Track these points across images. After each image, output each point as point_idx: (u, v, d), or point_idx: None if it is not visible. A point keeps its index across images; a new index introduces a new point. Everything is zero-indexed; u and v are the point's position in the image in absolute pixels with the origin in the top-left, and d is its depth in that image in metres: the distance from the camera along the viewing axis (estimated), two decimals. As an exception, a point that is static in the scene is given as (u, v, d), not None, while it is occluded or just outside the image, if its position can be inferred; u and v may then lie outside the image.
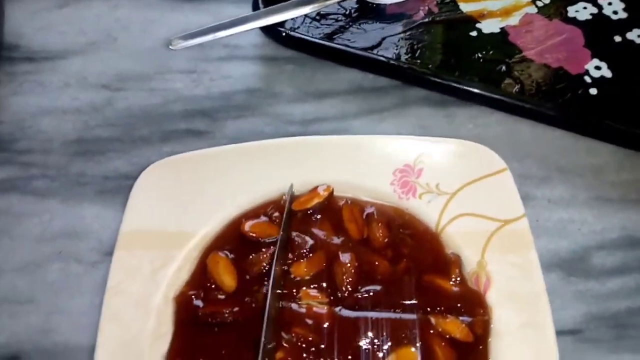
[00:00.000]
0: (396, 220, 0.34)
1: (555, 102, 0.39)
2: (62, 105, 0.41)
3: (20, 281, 0.35)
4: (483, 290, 0.32)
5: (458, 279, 0.32)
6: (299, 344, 0.30)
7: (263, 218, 0.34)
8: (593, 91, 0.40)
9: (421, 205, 0.35)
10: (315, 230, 0.34)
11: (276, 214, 0.34)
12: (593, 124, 0.39)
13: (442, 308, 0.31)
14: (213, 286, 0.32)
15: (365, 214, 0.34)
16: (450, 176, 0.35)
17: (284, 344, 0.30)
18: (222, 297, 0.32)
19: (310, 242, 0.33)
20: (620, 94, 0.40)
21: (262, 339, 0.29)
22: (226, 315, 0.31)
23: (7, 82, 0.41)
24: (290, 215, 0.34)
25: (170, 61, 0.42)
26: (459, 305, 0.32)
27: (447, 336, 0.31)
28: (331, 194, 0.35)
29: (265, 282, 0.32)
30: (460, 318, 0.31)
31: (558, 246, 0.36)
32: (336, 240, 0.34)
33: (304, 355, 0.30)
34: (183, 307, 0.32)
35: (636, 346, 0.33)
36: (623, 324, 0.34)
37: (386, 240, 0.33)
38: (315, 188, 0.35)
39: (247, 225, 0.34)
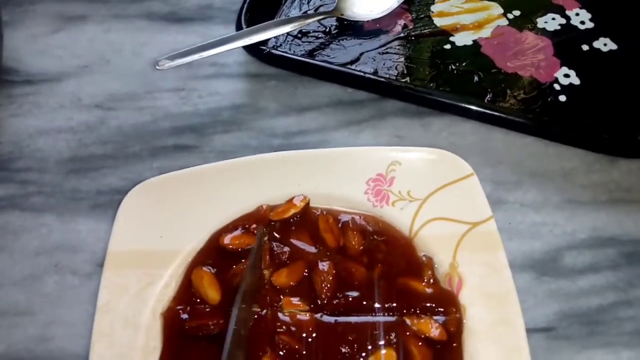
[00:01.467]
0: (371, 227, 0.36)
1: (526, 110, 0.41)
2: (57, 125, 0.43)
3: (18, 293, 0.36)
4: (456, 290, 0.34)
5: (431, 280, 0.34)
6: (284, 350, 0.32)
7: (240, 230, 0.35)
8: (562, 98, 0.41)
9: (394, 212, 0.36)
10: (294, 240, 0.35)
11: (253, 225, 0.36)
12: (563, 130, 0.40)
13: (417, 309, 0.33)
14: (198, 300, 0.34)
15: (340, 223, 0.36)
16: (421, 183, 0.36)
17: (270, 351, 0.32)
18: (208, 309, 0.33)
19: (289, 251, 0.35)
20: (589, 100, 0.41)
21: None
22: (212, 327, 0.33)
23: (7, 104, 0.44)
24: (269, 226, 0.36)
25: (160, 81, 0.44)
26: (432, 305, 0.33)
27: (423, 336, 0.32)
28: (307, 204, 0.36)
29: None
30: (434, 318, 0.33)
31: (531, 247, 0.37)
32: (314, 250, 0.35)
33: None
34: (170, 322, 0.33)
35: (607, 342, 0.34)
36: (594, 320, 0.35)
37: (361, 247, 0.35)
38: (292, 199, 0.36)
39: (226, 239, 0.35)
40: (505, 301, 0.33)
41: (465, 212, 0.35)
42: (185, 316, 0.33)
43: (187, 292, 0.34)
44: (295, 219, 0.36)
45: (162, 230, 0.36)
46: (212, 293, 0.34)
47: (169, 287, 0.34)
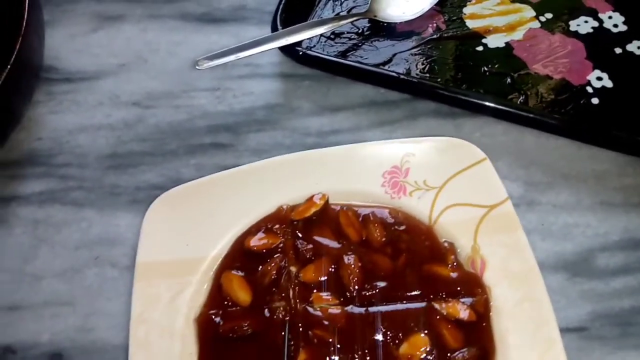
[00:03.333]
0: (391, 219, 0.36)
1: (558, 111, 0.41)
2: (96, 122, 0.44)
3: (60, 285, 0.38)
4: (479, 272, 0.34)
5: (455, 264, 0.35)
6: (319, 345, 0.32)
7: (264, 231, 0.36)
8: (595, 101, 0.42)
9: (412, 202, 0.37)
10: (317, 237, 0.36)
11: (276, 225, 0.36)
12: (595, 132, 0.40)
13: (444, 293, 0.34)
14: (230, 303, 0.34)
15: (361, 217, 0.37)
16: (436, 171, 0.37)
17: (305, 346, 0.32)
18: (240, 311, 0.34)
19: (313, 248, 0.35)
20: (621, 103, 0.42)
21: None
22: (245, 327, 0.33)
23: (47, 101, 0.45)
24: (291, 226, 0.36)
25: (196, 80, 0.45)
26: (458, 288, 0.34)
27: (452, 319, 0.33)
28: (327, 201, 0.37)
29: (277, 291, 0.34)
30: (462, 300, 0.33)
31: (563, 248, 0.38)
32: (337, 245, 0.36)
33: (325, 354, 0.32)
34: (205, 327, 0.34)
35: (640, 343, 0.35)
36: (627, 321, 0.35)
37: (384, 239, 0.36)
38: (311, 197, 0.37)
39: (251, 241, 0.36)
40: (528, 278, 0.33)
41: (481, 196, 0.36)
42: (218, 320, 0.34)
43: (218, 296, 0.35)
44: (316, 216, 0.36)
45: (187, 238, 0.36)
46: (242, 295, 0.34)
47: (200, 293, 0.35)
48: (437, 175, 0.37)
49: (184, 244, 0.36)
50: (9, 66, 0.38)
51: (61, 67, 0.46)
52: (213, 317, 0.34)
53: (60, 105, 0.45)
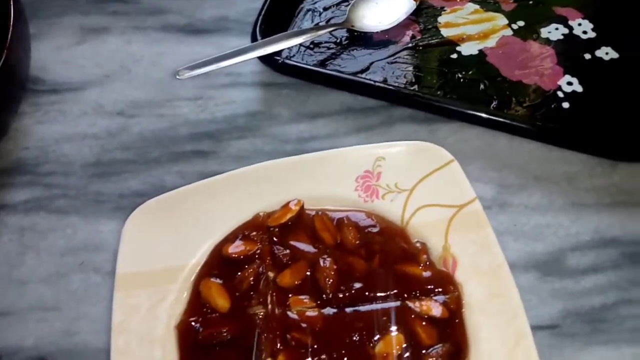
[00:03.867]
0: (364, 222, 0.38)
1: (530, 116, 0.43)
2: (81, 132, 0.45)
3: (45, 290, 0.38)
4: (451, 270, 0.35)
5: (427, 263, 0.36)
6: (297, 347, 0.33)
7: (241, 239, 0.37)
8: (565, 105, 0.43)
9: (385, 204, 0.38)
10: (293, 242, 0.37)
11: (253, 232, 0.37)
12: (566, 135, 0.42)
13: (417, 292, 0.35)
14: (209, 310, 0.35)
15: (335, 221, 0.38)
16: (407, 174, 0.38)
17: (284, 350, 0.33)
18: (219, 318, 0.35)
19: (290, 253, 0.36)
20: (591, 106, 0.43)
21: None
22: (224, 333, 0.34)
23: (33, 112, 0.46)
24: (267, 232, 0.37)
25: (178, 89, 0.46)
26: (431, 287, 0.35)
27: (426, 316, 0.34)
28: (302, 207, 0.38)
29: (255, 295, 0.35)
30: (435, 298, 0.34)
31: (534, 249, 0.39)
32: (313, 249, 0.37)
33: (303, 356, 0.33)
34: (185, 334, 0.34)
35: (610, 339, 0.36)
36: (598, 319, 0.36)
37: (358, 241, 0.37)
38: (287, 204, 0.38)
39: (229, 249, 0.37)
40: (498, 274, 0.35)
41: (450, 197, 0.37)
42: (198, 326, 0.35)
43: (197, 303, 0.35)
44: (292, 222, 0.37)
45: (166, 247, 0.37)
46: (221, 301, 0.35)
47: (179, 302, 0.36)
48: (407, 178, 0.38)
49: (163, 253, 0.37)
50: (-6, 78, 0.39)
51: (47, 78, 0.47)
52: (193, 324, 0.35)
53: (47, 115, 0.46)
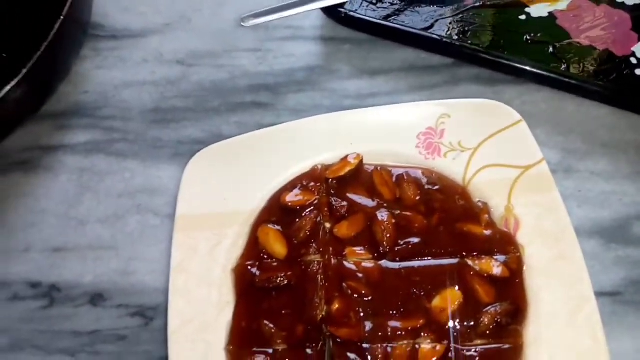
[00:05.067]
0: (425, 179, 0.37)
1: (601, 80, 0.41)
2: (141, 79, 0.45)
3: (103, 231, 0.39)
4: (513, 231, 0.35)
5: (488, 223, 0.35)
6: (353, 296, 0.33)
7: (299, 188, 0.37)
8: (639, 72, 0.41)
9: (446, 162, 0.37)
10: (351, 195, 0.37)
11: (311, 183, 0.37)
12: (637, 100, 0.40)
13: (477, 251, 0.34)
14: (266, 256, 0.35)
15: (395, 176, 0.37)
16: (471, 133, 0.37)
17: (339, 297, 0.33)
18: (275, 264, 0.35)
19: (347, 205, 0.36)
20: (666, 74, 0.41)
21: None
22: (281, 278, 0.34)
23: (93, 57, 0.46)
24: (326, 184, 0.37)
25: (238, 41, 0.46)
26: (491, 246, 0.34)
27: (485, 275, 0.33)
28: (361, 161, 0.37)
29: (312, 244, 0.35)
30: (495, 257, 0.34)
31: (599, 215, 0.38)
32: (372, 203, 0.36)
33: (358, 305, 0.33)
34: (241, 277, 0.35)
35: (674, 311, 0.35)
36: (661, 289, 0.35)
37: (417, 197, 0.36)
38: (346, 157, 0.38)
39: (287, 197, 0.37)
40: (562, 237, 0.34)
41: (516, 157, 0.36)
42: (255, 270, 0.35)
43: (254, 248, 0.36)
44: (350, 176, 0.37)
45: (225, 193, 0.37)
46: (278, 248, 0.35)
47: (236, 246, 0.36)
48: (472, 137, 0.37)
49: (222, 198, 0.37)
50: (61, 18, 0.39)
51: (108, 24, 0.48)
52: (250, 267, 0.35)
53: (106, 61, 0.46)
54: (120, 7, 0.48)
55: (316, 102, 0.43)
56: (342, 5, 0.44)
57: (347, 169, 0.37)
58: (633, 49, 0.42)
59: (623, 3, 0.44)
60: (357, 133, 0.38)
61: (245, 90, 0.44)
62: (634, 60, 0.42)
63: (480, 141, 0.37)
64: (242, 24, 0.41)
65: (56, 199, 0.40)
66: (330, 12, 0.44)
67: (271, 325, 0.33)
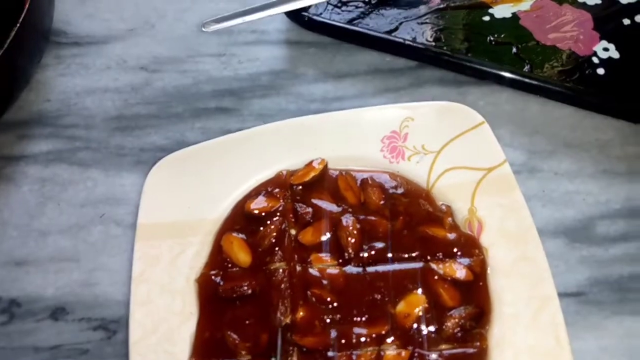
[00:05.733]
0: (389, 183, 0.37)
1: (564, 81, 0.41)
2: (104, 86, 0.44)
3: (65, 241, 0.38)
4: (477, 233, 0.35)
5: (451, 226, 0.35)
6: (318, 303, 0.33)
7: (263, 195, 0.37)
8: (601, 71, 0.42)
9: (410, 166, 0.37)
10: (315, 201, 0.36)
11: (276, 190, 0.37)
12: (600, 101, 0.40)
13: (441, 254, 0.34)
14: (230, 264, 0.35)
15: (359, 181, 0.37)
16: (434, 136, 0.37)
17: (303, 304, 0.33)
18: (239, 272, 0.35)
19: (312, 211, 0.36)
20: (627, 73, 0.41)
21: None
22: (245, 287, 0.34)
23: (56, 64, 0.45)
24: (290, 190, 0.37)
25: (202, 46, 0.46)
26: (455, 249, 0.34)
27: (449, 278, 0.33)
28: (325, 166, 0.37)
29: (277, 252, 0.35)
30: (459, 260, 0.34)
31: (563, 215, 0.38)
32: (336, 208, 0.36)
33: (323, 312, 0.33)
34: (205, 287, 0.34)
35: (637, 309, 0.35)
36: (625, 287, 0.35)
37: (382, 202, 0.36)
38: (310, 162, 0.37)
39: (252, 205, 0.36)
40: (525, 238, 0.34)
41: (479, 159, 0.36)
42: (218, 280, 0.34)
43: (218, 257, 0.35)
44: (314, 181, 0.37)
45: (188, 200, 0.37)
46: (242, 256, 0.35)
47: (200, 255, 0.35)
48: (435, 140, 0.37)
49: (185, 206, 0.37)
50: (17, 26, 0.38)
51: (70, 31, 0.47)
52: (213, 277, 0.35)
53: (69, 68, 0.45)
54: (84, 14, 0.48)
55: (282, 106, 0.43)
56: (306, 9, 0.43)
57: (312, 174, 0.37)
58: (594, 48, 0.43)
59: (585, 3, 0.45)
60: (322, 138, 0.38)
61: (210, 95, 0.44)
62: (596, 60, 0.42)
63: (443, 144, 0.37)
64: (204, 29, 0.40)
65: (17, 210, 0.40)
66: (294, 16, 0.44)
67: (235, 336, 0.33)
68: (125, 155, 0.41)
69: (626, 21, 0.44)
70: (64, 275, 0.37)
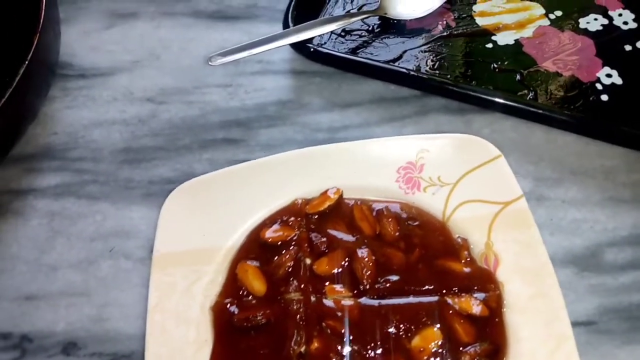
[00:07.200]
0: (405, 214, 0.37)
1: (567, 108, 0.42)
2: (111, 118, 0.45)
3: (75, 276, 0.38)
4: (493, 268, 0.35)
5: (468, 260, 0.35)
6: (332, 335, 0.33)
7: (279, 224, 0.37)
8: (604, 98, 0.42)
9: (426, 197, 0.37)
10: (331, 231, 0.37)
11: (291, 218, 0.37)
12: (604, 128, 0.41)
13: (457, 288, 0.34)
14: (245, 293, 0.35)
15: (374, 211, 0.37)
16: (451, 168, 0.38)
17: (318, 336, 0.33)
18: (254, 301, 0.35)
19: (327, 241, 0.36)
20: (631, 99, 0.42)
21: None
22: (259, 317, 0.34)
23: (62, 97, 0.46)
24: (305, 219, 0.37)
25: (208, 76, 0.46)
26: (471, 284, 0.34)
27: (465, 313, 0.33)
28: (341, 195, 0.37)
29: (292, 281, 0.35)
30: (475, 295, 0.34)
31: (572, 243, 0.38)
32: (351, 238, 0.36)
33: (337, 344, 0.33)
34: (220, 315, 0.34)
35: (649, 337, 0.35)
36: (636, 316, 0.35)
37: (397, 233, 0.36)
38: (326, 191, 0.38)
39: (267, 233, 0.37)
40: (541, 275, 0.34)
41: (496, 193, 0.36)
42: (233, 309, 0.34)
43: (233, 286, 0.35)
44: (330, 210, 0.37)
45: (203, 229, 0.37)
46: (257, 285, 0.35)
47: (215, 283, 0.36)
48: (451, 172, 0.37)
49: (200, 234, 0.37)
50: (26, 62, 0.38)
51: (76, 63, 0.47)
52: (228, 306, 0.35)
53: (76, 100, 0.46)
54: (88, 46, 0.48)
55: (288, 136, 0.43)
56: (310, 40, 0.44)
57: (327, 203, 0.37)
58: (598, 74, 0.43)
59: (586, 29, 0.45)
60: (337, 167, 0.38)
61: (217, 126, 0.44)
62: (599, 86, 0.42)
63: (459, 176, 0.37)
64: (210, 63, 0.41)
65: (27, 244, 0.40)
66: (299, 47, 0.44)
67: None
68: (134, 188, 0.42)
69: (628, 47, 0.44)
70: (74, 310, 0.37)
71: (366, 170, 0.38)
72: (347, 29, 0.46)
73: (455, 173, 0.37)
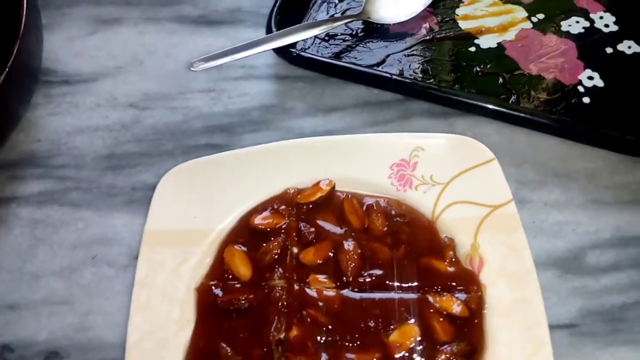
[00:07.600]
0: (394, 210, 0.37)
1: (550, 111, 0.42)
2: (94, 124, 0.44)
3: (58, 284, 0.38)
4: (477, 270, 0.35)
5: (453, 260, 0.35)
6: (312, 324, 0.33)
7: (269, 211, 0.37)
8: (586, 100, 0.42)
9: (417, 195, 0.37)
10: (320, 222, 0.37)
11: (282, 207, 0.37)
12: (587, 131, 0.41)
13: (439, 287, 0.34)
14: (230, 276, 0.35)
15: (365, 205, 0.37)
16: (443, 168, 0.38)
17: (298, 324, 0.33)
18: (239, 285, 0.35)
19: (315, 231, 0.36)
20: (613, 102, 0.42)
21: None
22: (242, 301, 0.34)
23: (45, 103, 0.45)
24: (296, 208, 0.37)
25: (191, 82, 0.46)
26: (454, 283, 0.34)
27: (445, 312, 0.33)
28: (333, 187, 0.38)
29: (277, 269, 0.35)
30: (456, 295, 0.34)
31: (554, 246, 0.38)
32: (339, 230, 0.37)
33: (316, 334, 0.33)
34: (204, 297, 0.35)
35: (631, 339, 0.35)
36: (618, 318, 0.36)
37: (385, 229, 0.36)
38: (318, 183, 0.38)
39: (256, 219, 0.37)
40: (525, 280, 0.34)
41: (486, 196, 0.36)
42: (218, 291, 0.35)
43: (219, 269, 0.36)
44: (321, 201, 0.37)
45: (195, 211, 0.37)
46: (243, 270, 0.35)
47: (202, 264, 0.36)
48: (444, 172, 0.38)
49: (192, 215, 0.37)
50: (7, 69, 0.38)
51: (59, 69, 0.47)
52: (213, 288, 0.35)
53: (59, 107, 0.45)
54: (71, 52, 0.48)
55: (272, 141, 0.42)
56: (293, 44, 0.44)
57: (319, 194, 0.37)
58: (580, 77, 0.43)
59: (568, 32, 0.45)
60: (331, 159, 0.39)
61: (200, 131, 0.44)
62: (581, 89, 0.43)
63: (451, 176, 0.37)
64: (192, 68, 0.41)
65: (9, 253, 0.39)
66: (282, 52, 0.44)
67: (228, 348, 0.33)
68: (117, 195, 0.41)
69: (609, 49, 0.44)
70: (57, 319, 0.37)
71: (360, 164, 0.38)
72: (330, 34, 0.46)
73: (447, 173, 0.37)
